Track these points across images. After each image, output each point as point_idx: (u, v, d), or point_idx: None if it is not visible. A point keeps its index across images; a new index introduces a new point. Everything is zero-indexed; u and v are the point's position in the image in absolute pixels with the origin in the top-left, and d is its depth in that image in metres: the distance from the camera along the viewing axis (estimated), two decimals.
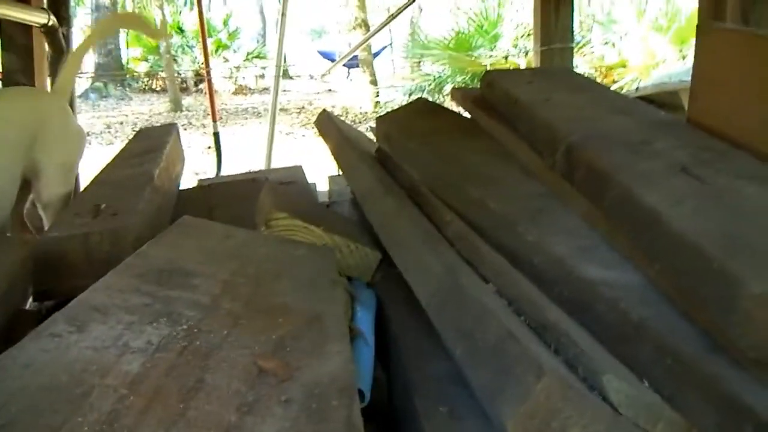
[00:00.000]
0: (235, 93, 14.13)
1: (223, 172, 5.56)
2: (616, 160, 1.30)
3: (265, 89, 12.39)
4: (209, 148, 6.99)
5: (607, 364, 0.99)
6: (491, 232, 1.44)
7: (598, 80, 9.49)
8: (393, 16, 6.47)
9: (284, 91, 14.05)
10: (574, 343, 1.02)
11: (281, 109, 10.48)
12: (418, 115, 2.24)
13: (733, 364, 0.92)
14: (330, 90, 13.55)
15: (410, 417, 1.24)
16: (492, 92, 2.05)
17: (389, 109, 4.18)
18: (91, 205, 1.72)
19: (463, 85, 9.38)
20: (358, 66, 11.84)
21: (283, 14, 6.26)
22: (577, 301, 1.16)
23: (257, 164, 6.55)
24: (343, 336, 1.16)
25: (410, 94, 10.16)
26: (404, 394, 1.30)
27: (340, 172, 2.35)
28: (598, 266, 1.19)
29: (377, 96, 10.47)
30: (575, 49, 9.86)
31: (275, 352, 1.05)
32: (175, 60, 14.92)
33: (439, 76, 10.17)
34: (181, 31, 15.55)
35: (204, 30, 6.41)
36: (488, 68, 8.52)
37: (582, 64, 9.59)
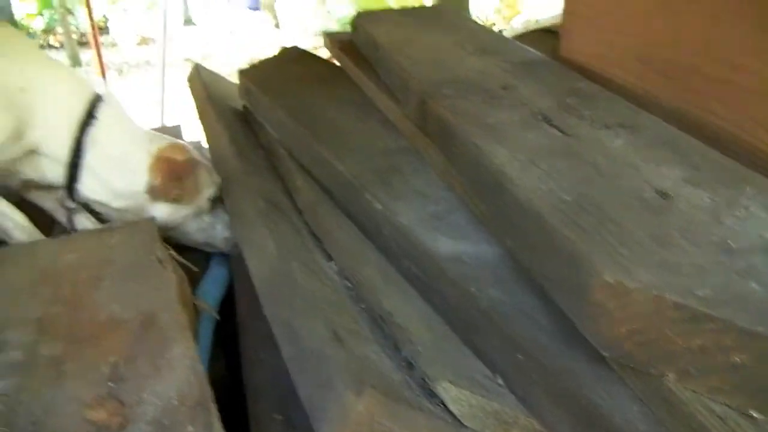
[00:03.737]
0: (139, 44, 13.43)
1: None
2: (467, 111, 1.12)
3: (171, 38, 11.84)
4: None
5: (450, 365, 0.84)
6: (341, 197, 1.26)
7: (504, 12, 9.30)
8: None
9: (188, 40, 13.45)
10: (410, 339, 0.86)
11: (185, 59, 10.00)
12: (284, 65, 2.02)
13: (594, 360, 0.76)
14: (237, 37, 12.99)
15: (245, 421, 1.08)
16: (358, 36, 1.86)
17: None
18: None
19: None
20: (258, 9, 11.28)
21: None
22: (426, 279, 1.00)
23: (154, 120, 6.20)
24: (183, 329, 1.02)
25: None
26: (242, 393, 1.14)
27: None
28: (449, 237, 1.02)
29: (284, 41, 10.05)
30: None
31: (111, 389, 0.91)
32: (71, 13, 14.13)
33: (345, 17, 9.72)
34: None
35: None
36: (394, 8, 8.21)
37: None
